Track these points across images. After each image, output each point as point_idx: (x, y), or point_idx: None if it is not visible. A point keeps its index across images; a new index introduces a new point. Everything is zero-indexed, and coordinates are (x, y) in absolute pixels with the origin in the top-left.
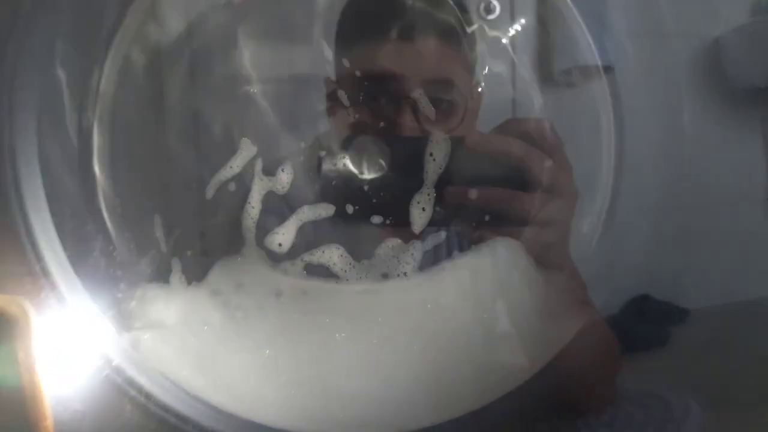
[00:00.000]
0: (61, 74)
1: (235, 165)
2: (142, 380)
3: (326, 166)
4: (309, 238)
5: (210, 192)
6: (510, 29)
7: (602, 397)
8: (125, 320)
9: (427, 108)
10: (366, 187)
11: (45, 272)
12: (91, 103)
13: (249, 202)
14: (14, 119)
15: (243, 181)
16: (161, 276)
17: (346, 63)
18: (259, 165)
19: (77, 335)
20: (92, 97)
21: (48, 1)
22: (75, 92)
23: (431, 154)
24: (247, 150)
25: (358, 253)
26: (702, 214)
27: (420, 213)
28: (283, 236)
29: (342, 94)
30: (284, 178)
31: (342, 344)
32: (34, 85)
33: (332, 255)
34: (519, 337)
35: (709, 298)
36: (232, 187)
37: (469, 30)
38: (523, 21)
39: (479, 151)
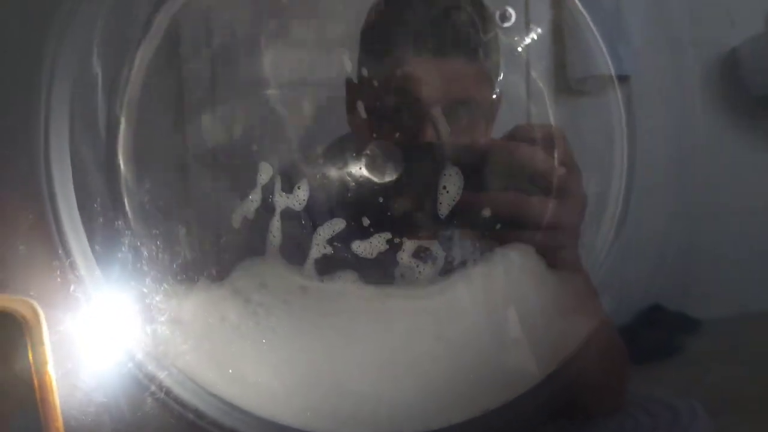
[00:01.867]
0: (96, 72)
1: (256, 198)
2: (162, 376)
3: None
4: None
5: (235, 222)
6: (526, 37)
7: (610, 403)
8: (149, 314)
9: (444, 129)
10: (381, 200)
11: (74, 267)
12: (119, 103)
13: (270, 231)
14: (49, 123)
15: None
16: (186, 271)
17: (366, 72)
18: (278, 184)
19: (102, 329)
20: (120, 98)
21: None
22: (105, 93)
23: (444, 187)
24: (265, 173)
25: (373, 264)
26: (715, 223)
27: (432, 264)
28: (305, 278)
29: (360, 105)
30: (301, 195)
31: (356, 346)
32: (68, 84)
33: (347, 278)
34: (529, 341)
35: (721, 309)
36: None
37: (485, 38)
38: (539, 30)
39: (489, 156)
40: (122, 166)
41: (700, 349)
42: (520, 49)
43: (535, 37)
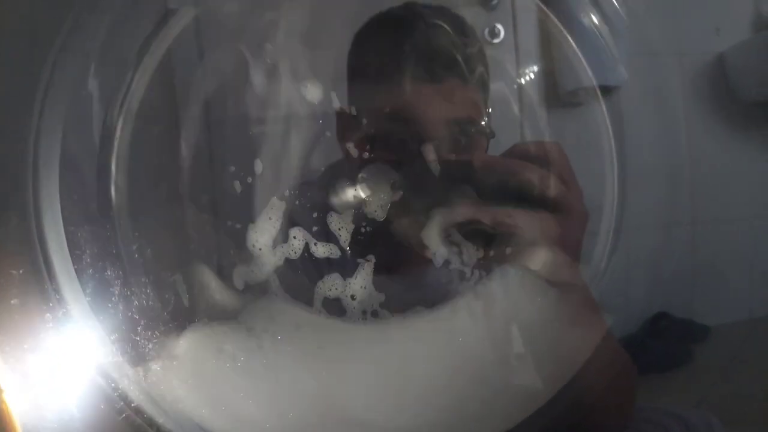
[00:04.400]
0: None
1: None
2: (161, 420)
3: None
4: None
5: (239, 285)
6: (515, 53)
7: (619, 419)
8: (144, 361)
9: (435, 167)
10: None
11: (68, 317)
12: (109, 148)
13: (271, 291)
14: (37, 172)
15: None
16: (178, 317)
17: (355, 101)
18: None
19: (98, 378)
20: (110, 141)
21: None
22: (96, 139)
23: (446, 244)
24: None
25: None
26: (717, 230)
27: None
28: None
29: (353, 133)
30: (296, 244)
31: (358, 374)
32: (57, 135)
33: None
34: (534, 360)
35: (729, 315)
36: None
37: (470, 54)
38: (524, 45)
39: (488, 172)
40: (116, 217)
41: (710, 358)
42: (510, 65)
43: (523, 54)
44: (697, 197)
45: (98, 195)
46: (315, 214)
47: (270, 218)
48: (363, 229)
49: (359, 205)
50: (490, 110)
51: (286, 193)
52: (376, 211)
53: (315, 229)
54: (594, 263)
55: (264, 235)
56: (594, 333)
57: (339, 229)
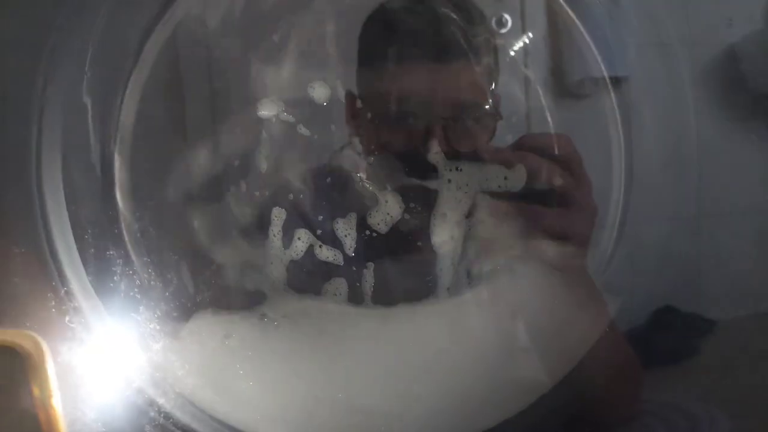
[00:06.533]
0: (87, 101)
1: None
2: (161, 401)
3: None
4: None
5: (250, 288)
6: (522, 43)
7: (624, 411)
8: (146, 341)
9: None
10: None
11: (70, 297)
12: (113, 132)
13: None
14: (41, 151)
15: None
16: (181, 298)
17: (364, 86)
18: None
19: (100, 358)
20: (114, 127)
21: (75, 31)
22: (98, 122)
23: (452, 237)
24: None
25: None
26: (726, 222)
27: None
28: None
29: (361, 116)
30: (300, 246)
31: (364, 362)
32: (59, 115)
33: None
34: (537, 350)
35: (736, 309)
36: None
37: (477, 41)
38: (530, 34)
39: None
40: (119, 199)
41: (715, 352)
42: (512, 53)
43: (527, 41)
44: (706, 189)
45: (102, 180)
46: (320, 217)
47: (275, 235)
48: (368, 233)
49: (364, 200)
50: (493, 104)
51: (290, 196)
52: (379, 224)
53: (319, 232)
54: (599, 254)
55: (278, 266)
56: (598, 319)
57: (345, 236)
